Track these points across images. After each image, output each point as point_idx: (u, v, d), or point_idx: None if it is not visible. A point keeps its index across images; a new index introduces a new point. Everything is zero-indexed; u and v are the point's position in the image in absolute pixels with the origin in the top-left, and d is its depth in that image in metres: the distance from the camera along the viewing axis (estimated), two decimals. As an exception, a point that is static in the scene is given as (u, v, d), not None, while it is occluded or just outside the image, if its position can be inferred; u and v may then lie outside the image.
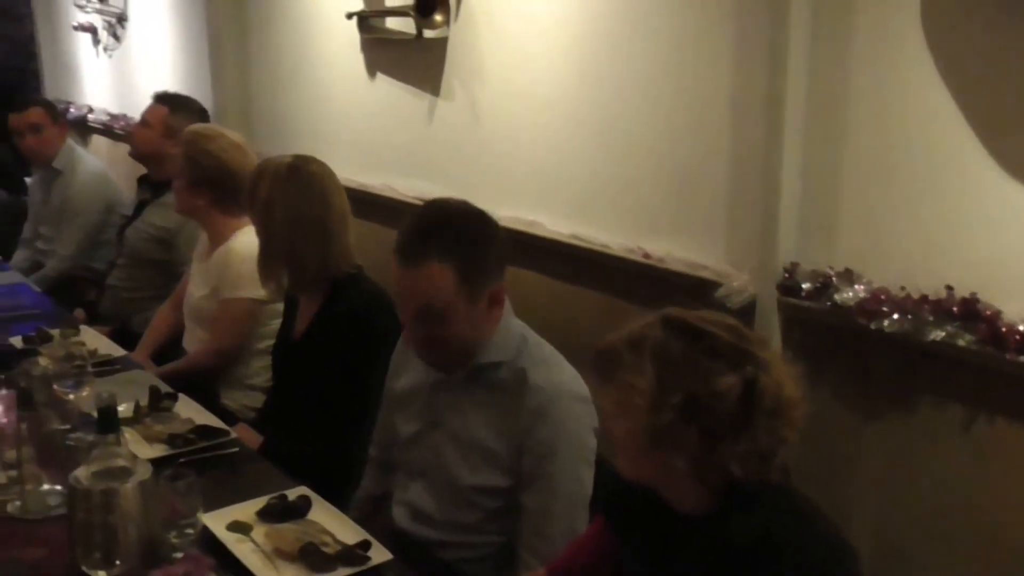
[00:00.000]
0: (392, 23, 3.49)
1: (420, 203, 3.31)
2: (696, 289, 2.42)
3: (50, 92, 6.41)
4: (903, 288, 2.09)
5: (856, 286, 2.16)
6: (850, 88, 2.17)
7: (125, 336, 3.31)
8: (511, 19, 3.03)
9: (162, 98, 3.73)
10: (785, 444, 1.32)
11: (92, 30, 5.64)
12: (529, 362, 1.87)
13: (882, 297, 2.10)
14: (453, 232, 1.82)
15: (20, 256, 4.30)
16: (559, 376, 1.87)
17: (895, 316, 2.07)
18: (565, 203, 2.93)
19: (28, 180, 4.54)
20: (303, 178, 2.46)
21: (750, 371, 1.30)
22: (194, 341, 3.05)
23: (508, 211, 2.99)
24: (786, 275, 2.30)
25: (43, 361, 2.25)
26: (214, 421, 2.36)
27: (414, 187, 3.44)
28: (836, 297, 2.18)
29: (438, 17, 3.25)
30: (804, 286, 2.26)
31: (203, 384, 2.83)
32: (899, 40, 2.06)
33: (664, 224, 2.63)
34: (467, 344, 1.87)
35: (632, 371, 1.33)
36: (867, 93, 2.14)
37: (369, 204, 3.42)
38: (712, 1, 2.44)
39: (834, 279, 2.21)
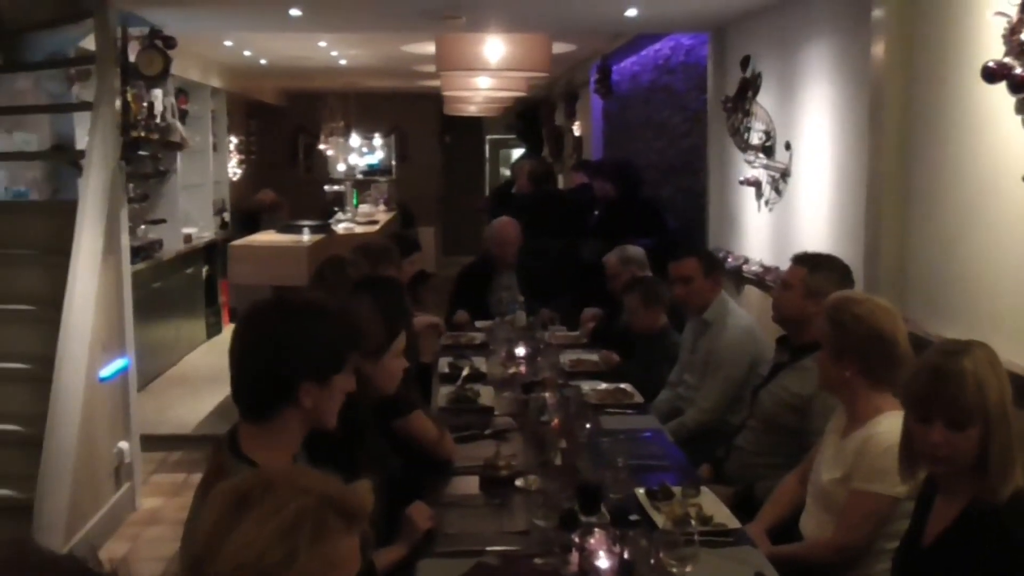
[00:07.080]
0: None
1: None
2: None
3: (713, 241, 6.82)
4: None
5: None
6: None
7: (747, 501, 3.23)
8: None
9: (801, 259, 3.65)
10: None
11: (756, 184, 5.87)
12: None
13: None
14: None
15: (663, 397, 4.48)
16: None
17: None
18: None
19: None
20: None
21: None
22: (812, 523, 2.84)
23: None
24: None
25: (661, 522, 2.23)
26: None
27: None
28: None
29: None
30: None
31: (814, 574, 2.61)
32: None
33: None
34: None
35: None
36: None
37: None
38: None
39: None
